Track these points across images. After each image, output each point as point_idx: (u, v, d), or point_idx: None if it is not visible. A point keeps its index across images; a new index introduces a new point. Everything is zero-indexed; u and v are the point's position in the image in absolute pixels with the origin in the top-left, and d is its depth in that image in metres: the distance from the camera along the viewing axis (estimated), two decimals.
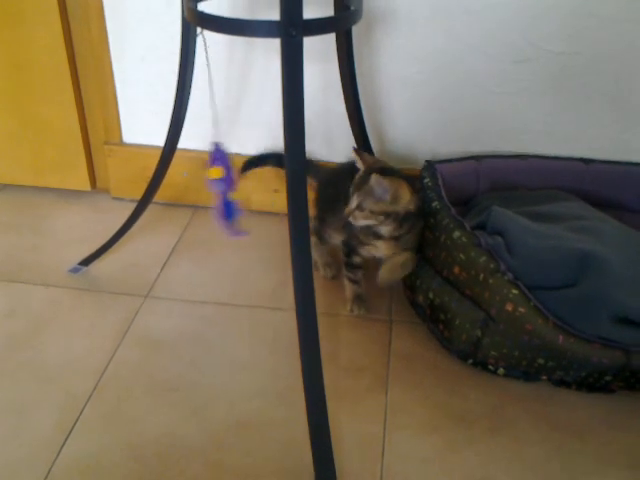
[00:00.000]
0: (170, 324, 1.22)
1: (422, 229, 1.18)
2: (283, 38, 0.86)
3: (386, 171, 1.11)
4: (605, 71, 1.29)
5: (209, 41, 1.10)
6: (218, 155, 1.14)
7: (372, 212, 1.10)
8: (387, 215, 1.11)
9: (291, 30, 0.85)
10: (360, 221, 1.13)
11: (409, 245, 1.17)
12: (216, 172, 1.12)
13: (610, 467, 0.98)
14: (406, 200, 1.11)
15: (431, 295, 1.14)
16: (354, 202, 1.11)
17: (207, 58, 1.10)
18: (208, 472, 0.95)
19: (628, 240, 1.14)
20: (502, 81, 1.33)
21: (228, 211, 1.16)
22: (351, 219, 1.13)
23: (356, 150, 1.16)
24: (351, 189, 1.13)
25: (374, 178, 1.06)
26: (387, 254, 1.18)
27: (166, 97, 1.38)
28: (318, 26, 0.92)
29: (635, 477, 0.97)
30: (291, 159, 0.90)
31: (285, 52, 0.87)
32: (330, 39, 1.20)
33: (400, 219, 1.13)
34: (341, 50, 1.18)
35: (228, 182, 1.13)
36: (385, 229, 1.14)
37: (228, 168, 1.13)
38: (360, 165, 1.15)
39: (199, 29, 1.05)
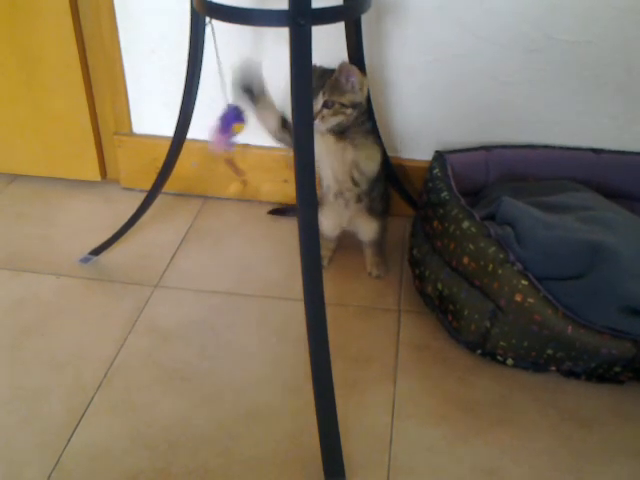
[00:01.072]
0: (180, 313, 1.22)
1: (382, 191, 1.24)
2: (291, 27, 0.86)
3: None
4: (617, 61, 1.27)
5: (218, 31, 1.10)
6: (237, 113, 1.15)
7: (342, 105, 1.09)
8: (354, 106, 1.10)
9: (299, 19, 0.85)
10: (330, 120, 1.11)
11: (373, 205, 1.23)
12: (239, 127, 1.16)
13: (617, 457, 0.98)
14: (366, 87, 1.12)
15: (440, 286, 1.14)
16: (319, 101, 1.09)
17: (216, 47, 1.09)
18: (217, 460, 0.96)
19: (639, 231, 1.13)
20: (513, 71, 1.32)
21: (228, 123, 1.16)
22: (318, 122, 1.10)
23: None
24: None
25: (343, 64, 1.06)
26: (345, 226, 1.28)
27: (176, 88, 1.38)
28: (327, 15, 0.92)
29: (638, 467, 0.97)
30: (299, 149, 0.90)
31: (293, 41, 0.87)
32: (338, 29, 1.20)
33: (360, 112, 1.13)
34: (350, 40, 1.17)
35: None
36: (336, 120, 1.12)
37: (245, 120, 1.16)
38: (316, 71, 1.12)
39: (208, 19, 1.05)
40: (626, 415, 1.04)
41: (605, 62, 1.28)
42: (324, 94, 1.09)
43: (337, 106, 1.09)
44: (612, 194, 1.30)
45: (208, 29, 1.08)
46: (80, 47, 1.40)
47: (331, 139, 1.15)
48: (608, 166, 1.33)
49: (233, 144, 1.20)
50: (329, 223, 1.28)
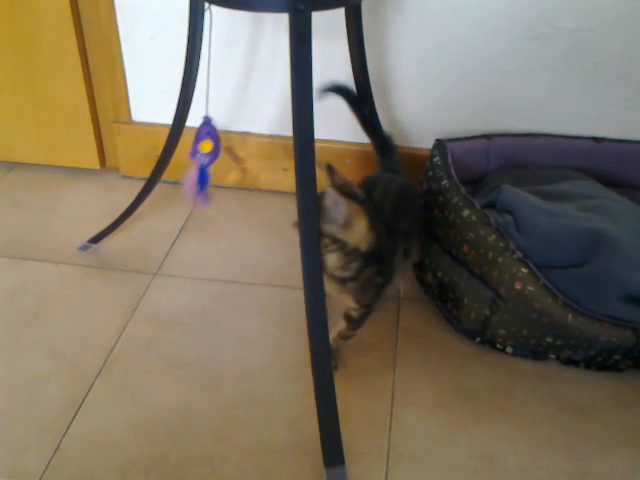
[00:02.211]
0: (179, 301, 1.22)
1: (370, 280, 1.01)
2: (291, 13, 0.85)
3: (351, 195, 0.95)
4: (618, 49, 1.26)
5: (217, 18, 1.10)
6: (209, 129, 1.16)
7: (320, 232, 0.94)
8: (334, 241, 0.95)
9: (299, 4, 0.85)
10: None
11: (356, 295, 1.02)
12: (208, 145, 1.14)
13: (616, 446, 0.98)
14: (359, 232, 0.95)
15: (440, 274, 1.14)
16: None
17: (210, 35, 1.09)
18: (216, 447, 0.96)
19: (639, 219, 1.12)
20: (513, 59, 1.31)
21: (202, 180, 1.16)
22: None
23: (329, 167, 0.96)
24: None
25: (330, 193, 0.93)
26: (334, 295, 1.03)
27: (175, 75, 1.36)
28: (327, 0, 0.92)
29: (637, 455, 0.97)
30: (300, 137, 0.89)
31: (293, 27, 0.86)
32: (335, 18, 1.18)
33: (347, 255, 0.96)
34: (351, 27, 1.16)
35: (214, 155, 1.15)
36: (330, 259, 0.97)
37: (217, 142, 1.15)
38: (327, 182, 0.96)
39: (207, 4, 1.04)
40: (625, 403, 1.04)
41: (606, 50, 1.27)
42: None
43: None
44: (613, 183, 1.29)
45: (208, 15, 1.07)
46: (78, 33, 1.38)
47: None
48: (609, 154, 1.33)
49: (203, 193, 1.17)
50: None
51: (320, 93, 1.15)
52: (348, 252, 0.96)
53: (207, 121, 1.15)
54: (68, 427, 0.98)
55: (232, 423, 0.99)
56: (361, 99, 1.24)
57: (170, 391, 1.04)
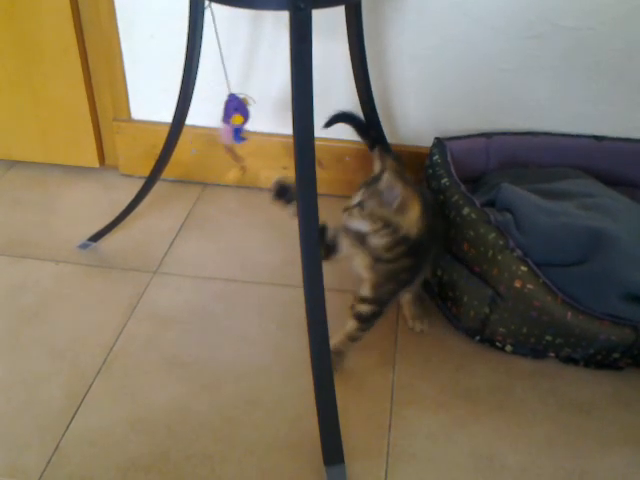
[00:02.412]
0: (179, 300, 1.22)
1: (399, 272, 1.02)
2: (291, 10, 0.85)
3: (405, 179, 0.97)
4: (618, 48, 1.26)
5: (217, 16, 1.09)
6: (236, 104, 1.18)
7: (372, 215, 0.96)
8: (386, 225, 0.96)
9: (299, 2, 0.84)
10: (355, 221, 0.99)
11: (379, 279, 1.03)
12: (239, 119, 1.18)
13: (615, 444, 0.98)
14: (413, 217, 0.96)
15: (439, 272, 1.13)
16: (357, 197, 0.98)
17: (216, 30, 1.09)
18: (216, 446, 0.96)
19: (638, 217, 1.12)
20: (513, 57, 1.31)
21: (237, 132, 1.22)
22: (346, 215, 0.99)
23: (380, 149, 1.01)
24: (360, 185, 0.99)
25: (386, 177, 0.94)
26: (358, 271, 1.05)
27: (175, 73, 1.36)
28: None
29: (636, 453, 0.97)
30: (300, 134, 0.89)
31: (293, 25, 0.86)
32: (335, 16, 1.18)
33: (396, 240, 0.98)
34: (351, 25, 1.16)
35: (246, 121, 1.20)
36: (377, 241, 0.99)
37: (246, 113, 1.19)
38: (377, 165, 1.01)
39: (207, 2, 1.04)
40: (625, 401, 1.04)
41: (606, 48, 1.27)
42: (364, 193, 0.97)
43: (367, 213, 0.97)
44: (613, 181, 1.29)
45: (207, 13, 1.07)
46: (78, 32, 1.38)
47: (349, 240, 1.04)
48: (609, 153, 1.33)
49: (239, 138, 1.22)
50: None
51: (328, 123, 1.16)
52: (397, 237, 0.98)
53: (232, 98, 1.17)
54: (68, 426, 0.98)
55: (232, 422, 0.99)
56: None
57: (170, 390, 1.04)
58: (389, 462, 0.94)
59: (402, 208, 0.95)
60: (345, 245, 1.05)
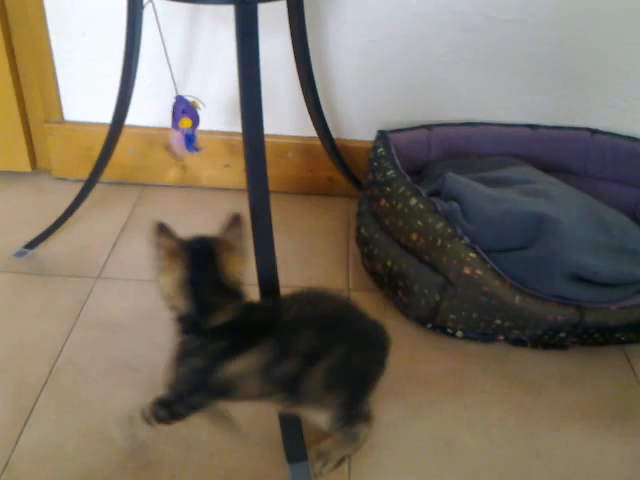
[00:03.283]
0: (124, 304, 1.18)
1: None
2: (237, 5, 0.84)
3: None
4: (551, 39, 1.30)
5: (151, 14, 1.07)
6: (184, 107, 1.16)
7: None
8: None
9: None
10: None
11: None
12: (187, 122, 1.16)
13: (565, 420, 1.02)
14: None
15: (390, 263, 1.15)
16: None
17: (159, 28, 1.06)
18: (174, 451, 0.94)
19: (576, 201, 1.17)
20: (450, 50, 1.33)
21: (190, 141, 1.21)
22: None
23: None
24: None
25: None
26: None
27: (110, 73, 1.33)
28: None
29: (586, 428, 1.01)
30: (249, 131, 0.89)
31: (239, 20, 0.85)
32: (273, 11, 1.18)
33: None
34: (293, 20, 1.16)
35: (195, 125, 1.19)
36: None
37: (195, 116, 1.18)
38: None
39: None
40: (572, 379, 1.08)
41: (539, 40, 1.31)
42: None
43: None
44: (548, 168, 1.34)
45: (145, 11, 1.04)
46: (5, 29, 1.32)
47: None
48: (544, 141, 1.37)
49: (191, 148, 1.21)
50: None
51: None
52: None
53: (180, 99, 1.15)
54: (16, 442, 0.93)
55: (189, 425, 0.96)
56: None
57: (123, 396, 1.01)
58: (351, 455, 0.95)
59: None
60: None
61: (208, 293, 0.79)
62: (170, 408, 0.84)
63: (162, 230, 0.82)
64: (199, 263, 0.80)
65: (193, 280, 0.78)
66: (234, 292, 0.81)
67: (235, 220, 0.83)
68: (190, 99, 1.17)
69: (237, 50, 0.85)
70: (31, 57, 1.37)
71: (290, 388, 0.82)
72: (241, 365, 0.80)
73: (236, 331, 0.80)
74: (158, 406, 0.85)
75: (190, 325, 0.80)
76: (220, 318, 0.79)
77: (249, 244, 0.85)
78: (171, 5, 1.23)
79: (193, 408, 0.85)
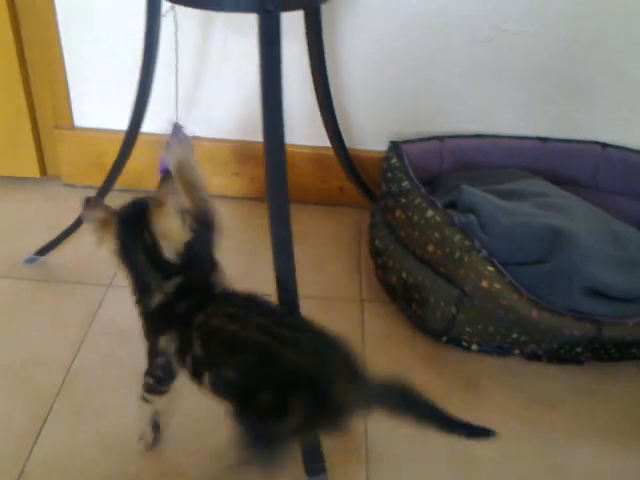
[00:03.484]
0: (136, 313, 1.17)
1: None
2: (260, 13, 0.84)
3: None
4: (561, 52, 1.31)
5: (164, 21, 1.06)
6: (182, 137, 1.16)
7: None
8: None
9: (268, 4, 0.84)
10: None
11: None
12: None
13: (582, 434, 1.02)
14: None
15: (404, 275, 1.14)
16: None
17: (176, 39, 1.06)
18: (190, 461, 0.93)
19: (590, 215, 1.17)
20: (460, 61, 1.34)
21: None
22: None
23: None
24: None
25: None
26: None
27: (123, 79, 1.32)
28: (294, 1, 0.91)
29: (603, 443, 1.01)
30: (271, 140, 0.88)
31: (262, 28, 0.85)
32: (287, 21, 1.17)
33: None
34: (310, 30, 1.15)
35: None
36: None
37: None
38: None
39: (168, 5, 1.01)
40: (587, 395, 1.08)
41: (550, 53, 1.32)
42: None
43: None
44: (558, 180, 1.34)
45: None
46: (16, 35, 1.31)
47: None
48: (554, 154, 1.38)
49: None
50: None
51: None
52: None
53: (177, 128, 1.15)
54: (31, 451, 0.92)
55: (204, 434, 0.97)
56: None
57: (136, 405, 1.00)
58: (368, 468, 0.94)
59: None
60: None
61: (144, 269, 0.82)
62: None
63: (91, 203, 0.82)
64: (129, 231, 0.81)
65: (126, 249, 0.81)
66: (172, 265, 0.81)
67: (167, 174, 0.83)
68: (186, 130, 1.16)
69: (260, 58, 0.85)
70: (42, 64, 1.36)
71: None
72: (163, 344, 0.85)
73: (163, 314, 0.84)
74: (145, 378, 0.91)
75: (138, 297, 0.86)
76: (156, 299, 0.84)
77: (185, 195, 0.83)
78: (185, 15, 1.24)
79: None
